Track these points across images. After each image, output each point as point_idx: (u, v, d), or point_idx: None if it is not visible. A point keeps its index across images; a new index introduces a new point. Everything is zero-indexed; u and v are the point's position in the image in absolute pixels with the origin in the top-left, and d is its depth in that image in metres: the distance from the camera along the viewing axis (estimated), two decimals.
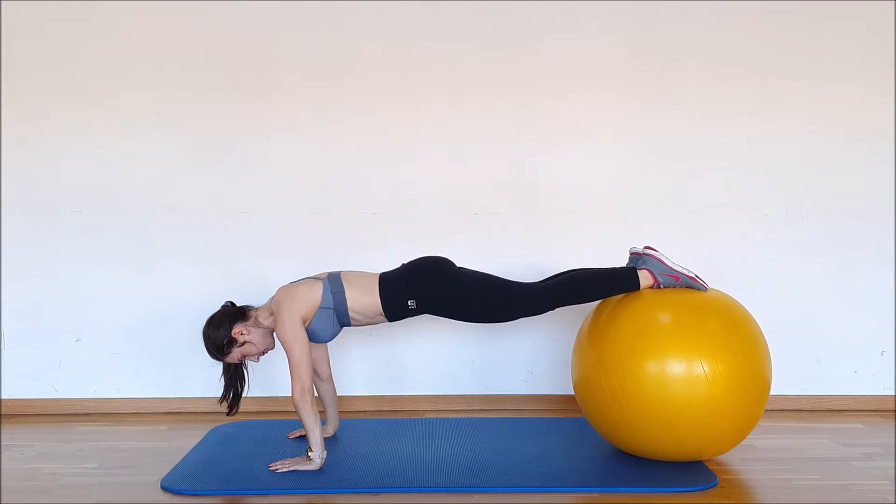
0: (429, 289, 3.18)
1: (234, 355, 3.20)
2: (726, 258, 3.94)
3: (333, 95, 3.91)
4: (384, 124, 3.92)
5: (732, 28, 3.89)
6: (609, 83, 3.93)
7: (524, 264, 3.87)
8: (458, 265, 3.29)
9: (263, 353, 3.26)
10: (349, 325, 3.24)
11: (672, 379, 2.91)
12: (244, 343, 3.18)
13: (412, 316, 3.24)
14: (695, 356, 2.91)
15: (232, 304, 3.27)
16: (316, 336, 3.21)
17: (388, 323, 3.28)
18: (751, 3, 3.89)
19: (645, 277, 3.16)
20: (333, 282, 3.19)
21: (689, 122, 3.92)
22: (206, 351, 3.22)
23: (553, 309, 3.22)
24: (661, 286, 3.16)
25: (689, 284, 3.16)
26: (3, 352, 3.97)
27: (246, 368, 3.26)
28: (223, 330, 3.16)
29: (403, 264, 3.30)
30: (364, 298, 3.18)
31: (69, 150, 3.92)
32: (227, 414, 3.25)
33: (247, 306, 3.26)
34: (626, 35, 3.91)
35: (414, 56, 3.91)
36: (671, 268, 3.15)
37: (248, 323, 3.20)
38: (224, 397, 3.24)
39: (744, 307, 3.16)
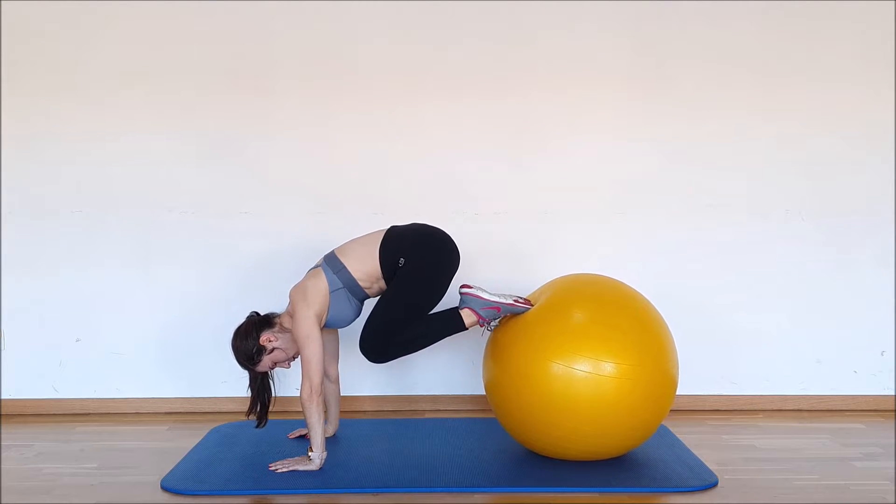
0: (421, 252, 3.19)
1: (265, 363, 3.20)
2: (726, 258, 3.94)
3: (333, 95, 3.91)
4: (384, 124, 3.92)
5: (732, 28, 3.89)
6: (609, 83, 3.92)
7: (525, 264, 3.88)
8: (453, 270, 3.28)
9: (294, 357, 3.25)
10: (365, 296, 3.24)
11: (578, 379, 2.91)
12: (273, 350, 3.18)
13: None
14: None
15: (257, 313, 3.26)
16: (341, 319, 3.23)
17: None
18: (751, 2, 3.88)
19: (468, 315, 3.17)
20: (331, 262, 3.21)
21: (688, 121, 3.92)
22: (237, 363, 3.21)
23: (388, 362, 3.21)
24: (486, 320, 3.16)
25: (511, 311, 3.15)
26: (3, 352, 3.97)
27: (272, 380, 3.26)
28: (251, 340, 3.16)
29: (416, 223, 3.33)
30: (364, 264, 3.19)
31: (69, 150, 3.91)
32: (256, 427, 3.26)
33: (271, 314, 3.26)
34: (627, 35, 3.91)
35: (414, 56, 3.91)
36: (489, 300, 3.15)
37: (274, 330, 3.20)
38: (251, 410, 3.24)
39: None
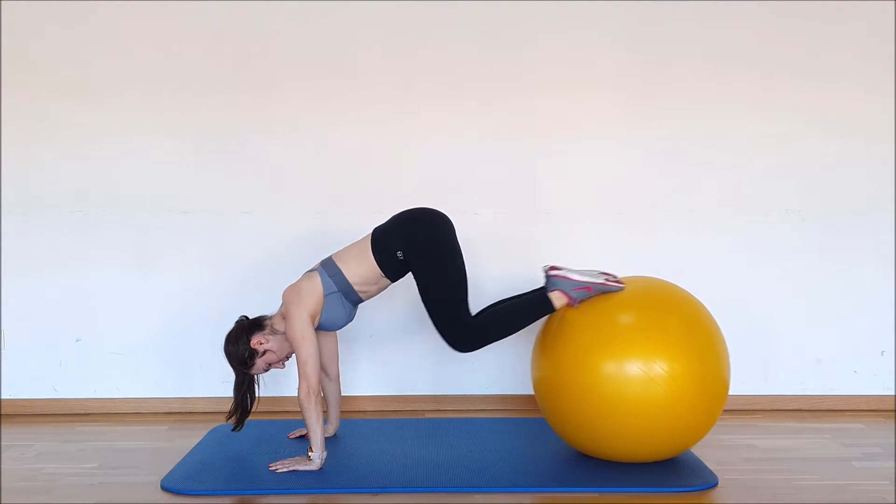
0: (414, 238, 3.18)
1: (259, 366, 3.20)
2: (726, 258, 3.94)
3: (334, 95, 3.91)
4: (384, 124, 3.92)
5: (732, 28, 3.89)
6: (609, 83, 3.93)
7: (525, 264, 3.88)
8: (454, 232, 3.26)
9: (287, 357, 3.25)
10: (360, 300, 3.24)
11: (629, 380, 2.89)
12: (265, 352, 3.18)
13: (408, 270, 3.22)
14: (652, 356, 2.89)
15: (245, 317, 3.26)
16: (332, 323, 3.22)
17: (392, 284, 3.27)
18: (751, 3, 3.89)
19: (558, 298, 3.14)
20: (328, 266, 3.20)
21: (688, 121, 3.92)
22: (231, 368, 3.20)
23: (477, 349, 3.20)
24: (577, 301, 3.11)
25: (603, 290, 3.09)
26: (3, 352, 3.97)
27: (258, 384, 3.25)
28: (242, 344, 3.16)
29: (394, 215, 3.30)
30: (361, 268, 3.18)
31: (69, 150, 3.92)
32: (233, 430, 3.25)
33: (261, 316, 3.26)
34: (626, 35, 3.91)
35: (414, 56, 3.91)
36: (580, 280, 3.10)
37: (265, 332, 3.20)
38: (232, 413, 3.23)
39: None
